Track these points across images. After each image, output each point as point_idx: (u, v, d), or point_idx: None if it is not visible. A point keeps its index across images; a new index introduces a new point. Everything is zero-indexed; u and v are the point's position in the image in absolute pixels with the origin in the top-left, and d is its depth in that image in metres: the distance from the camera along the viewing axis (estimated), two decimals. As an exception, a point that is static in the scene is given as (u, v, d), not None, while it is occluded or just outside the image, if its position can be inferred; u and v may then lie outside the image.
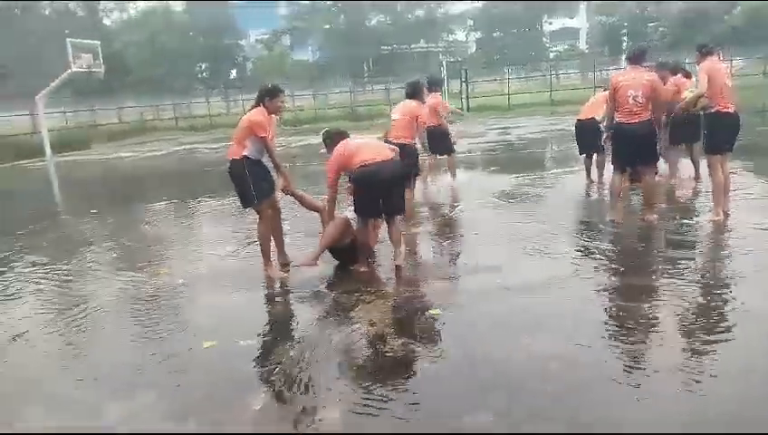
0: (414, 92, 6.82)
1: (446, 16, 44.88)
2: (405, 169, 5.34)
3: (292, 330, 4.08)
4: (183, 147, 20.67)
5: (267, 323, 4.21)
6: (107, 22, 40.84)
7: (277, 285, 4.99)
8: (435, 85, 8.96)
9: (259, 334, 3.98)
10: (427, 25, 43.07)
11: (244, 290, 4.90)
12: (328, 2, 44.44)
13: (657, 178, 7.38)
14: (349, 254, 5.17)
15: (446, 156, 9.00)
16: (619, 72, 6.26)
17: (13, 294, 5.26)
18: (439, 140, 8.40)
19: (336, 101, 29.60)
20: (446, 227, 6.67)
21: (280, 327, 4.15)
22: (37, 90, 19.48)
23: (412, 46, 41.28)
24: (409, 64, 34.76)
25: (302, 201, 5.48)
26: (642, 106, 5.62)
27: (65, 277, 5.72)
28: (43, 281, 5.63)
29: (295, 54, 44.50)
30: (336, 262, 5.28)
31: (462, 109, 16.06)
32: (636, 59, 5.85)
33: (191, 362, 3.64)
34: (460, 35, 47.33)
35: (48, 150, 18.94)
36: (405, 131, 6.55)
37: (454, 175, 9.13)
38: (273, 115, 5.03)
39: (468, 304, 4.27)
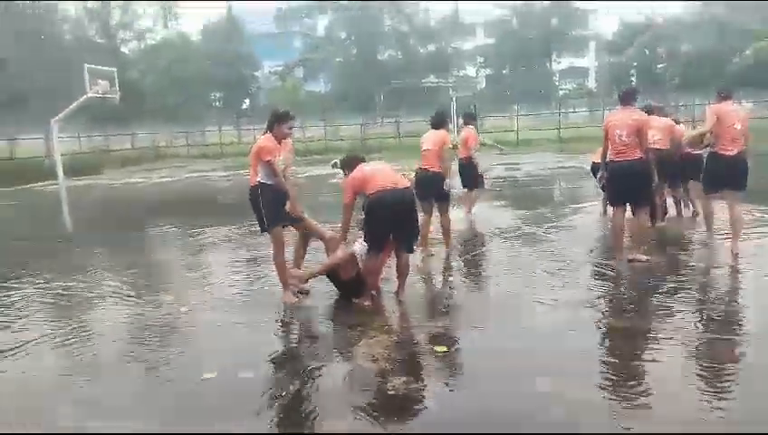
0: (440, 123, 6.91)
1: (457, 51, 45.59)
2: (436, 197, 6.36)
3: (293, 363, 4.02)
4: (194, 174, 20.87)
5: (269, 356, 4.14)
6: (125, 50, 41.73)
7: (282, 315, 4.95)
8: (469, 119, 9.29)
9: (259, 367, 3.92)
10: (437, 61, 43.71)
11: (248, 320, 4.86)
12: (342, 34, 45.31)
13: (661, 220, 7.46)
14: (353, 286, 5.14)
15: (468, 189, 9.10)
16: (611, 113, 6.47)
17: (10, 318, 5.25)
18: (468, 174, 8.72)
19: (346, 133, 29.92)
20: (459, 262, 6.62)
21: (281, 360, 4.09)
22: (53, 114, 19.81)
23: (423, 81, 41.77)
24: (419, 99, 35.13)
25: (307, 226, 5.48)
26: (627, 145, 5.70)
27: (65, 302, 5.71)
28: (43, 304, 5.62)
29: (308, 86, 45.17)
30: (340, 294, 5.25)
31: (493, 143, 15.96)
32: (625, 99, 5.96)
33: (188, 393, 3.59)
34: (470, 71, 47.97)
35: (61, 174, 19.17)
36: (436, 161, 6.63)
37: (470, 210, 9.17)
38: (285, 140, 5.17)
39: (475, 343, 4.20)
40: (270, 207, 5.03)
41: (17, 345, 4.48)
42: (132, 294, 5.85)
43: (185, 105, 38.88)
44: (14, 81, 32.91)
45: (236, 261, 7.04)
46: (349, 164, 5.21)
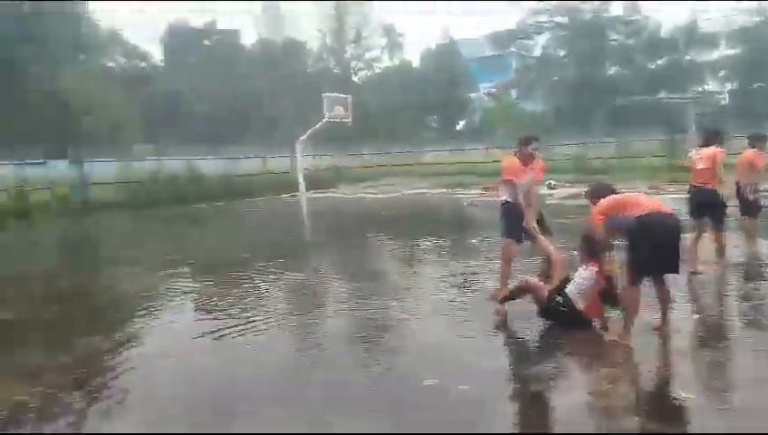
0: (712, 140, 6.79)
1: (694, 64, 40.87)
2: (711, 215, 6.40)
3: (511, 384, 3.92)
4: (413, 190, 22.03)
5: (489, 371, 4.08)
6: (355, 79, 46.35)
7: (510, 331, 4.94)
8: (756, 141, 7.79)
9: (478, 382, 3.86)
10: (670, 75, 39.72)
11: (471, 331, 4.90)
12: (560, 52, 43.98)
13: None
14: (560, 314, 4.84)
15: (745, 217, 7.75)
16: None
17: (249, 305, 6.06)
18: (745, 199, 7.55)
19: (561, 152, 28.62)
20: (733, 290, 5.96)
21: (495, 378, 3.99)
22: (297, 136, 22.98)
23: (656, 96, 38.21)
24: (647, 117, 32.15)
25: (535, 241, 5.56)
26: None
27: (300, 295, 6.42)
28: (280, 294, 6.40)
29: (524, 105, 44.67)
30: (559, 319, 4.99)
31: None
32: None
33: (407, 398, 3.69)
34: (712, 85, 42.52)
35: (302, 187, 21.97)
36: (712, 178, 6.52)
37: (752, 241, 7.67)
38: (533, 161, 5.59)
39: (725, 391, 3.64)
40: (507, 222, 5.48)
41: (256, 325, 5.17)
42: (360, 295, 6.33)
43: (405, 127, 41.51)
44: (266, 109, 38.87)
45: (451, 273, 7.16)
46: (598, 193, 4.94)
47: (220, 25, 46.13)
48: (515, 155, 5.58)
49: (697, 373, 3.97)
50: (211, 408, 3.65)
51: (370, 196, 20.96)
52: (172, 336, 5.25)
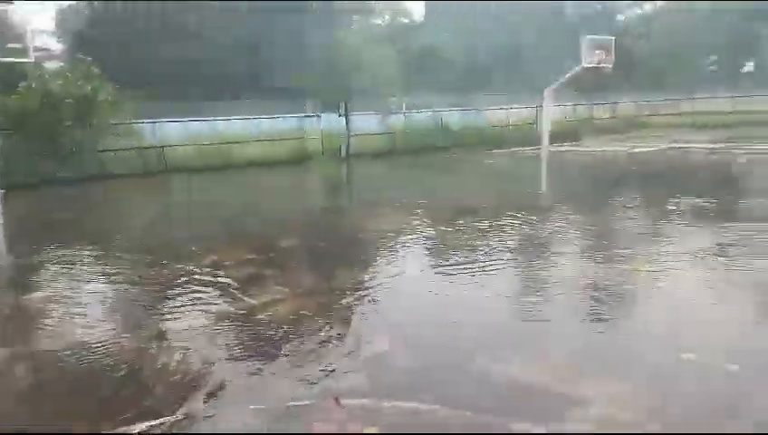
0: None
1: None
2: None
3: None
4: (676, 145, 19.45)
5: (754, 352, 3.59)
6: (621, 17, 41.77)
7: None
8: None
9: (746, 362, 3.48)
10: None
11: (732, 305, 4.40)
12: None
13: None
14: None
15: None
16: None
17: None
18: None
19: None
20: None
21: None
22: (546, 84, 21.81)
23: None
24: None
25: None
26: None
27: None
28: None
29: None
30: None
31: None
32: None
33: (671, 373, 3.49)
34: None
35: (545, 141, 21.06)
36: None
37: None
38: None
39: None
40: None
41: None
42: (597, 251, 6.08)
43: (674, 71, 36.29)
44: (517, 56, 37.71)
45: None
46: None
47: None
48: None
49: None
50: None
51: (618, 151, 19.14)
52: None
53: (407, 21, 47.16)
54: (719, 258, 5.80)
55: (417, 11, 48.46)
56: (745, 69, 40.11)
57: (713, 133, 20.97)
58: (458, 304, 4.81)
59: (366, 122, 23.56)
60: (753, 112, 22.88)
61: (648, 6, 42.61)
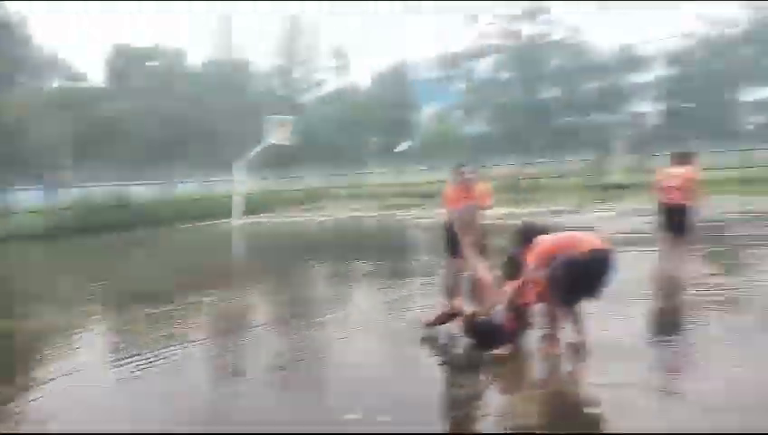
0: (686, 160, 7.17)
1: (627, 86, 42.76)
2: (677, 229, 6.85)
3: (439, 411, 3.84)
4: (352, 213, 21.77)
5: (408, 399, 3.99)
6: (302, 101, 46.05)
7: (431, 357, 4.86)
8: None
9: (395, 411, 3.78)
10: (606, 96, 41.46)
11: (391, 358, 4.85)
12: (505, 75, 45.00)
13: None
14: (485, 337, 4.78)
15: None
16: None
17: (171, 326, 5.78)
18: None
19: (500, 173, 29.14)
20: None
21: (421, 407, 3.90)
22: (235, 158, 22.36)
23: (587, 118, 39.76)
24: (582, 138, 33.47)
25: (468, 263, 5.46)
26: None
27: (214, 319, 6.18)
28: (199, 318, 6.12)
29: (470, 128, 45.44)
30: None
31: None
32: None
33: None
34: (643, 106, 44.57)
35: (238, 213, 21.21)
36: (683, 195, 6.94)
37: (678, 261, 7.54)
38: (468, 186, 5.67)
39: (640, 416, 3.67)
40: (447, 240, 5.77)
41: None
42: (288, 318, 6.22)
43: (348, 149, 41.47)
44: (208, 131, 37.89)
45: (389, 298, 7.07)
46: (527, 235, 4.73)
47: (167, 45, 44.89)
48: (453, 182, 5.71)
49: (613, 391, 3.98)
50: None
51: (304, 220, 20.59)
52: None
53: (86, 85, 42.71)
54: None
55: (97, 77, 44.24)
56: (399, 148, 48.13)
57: (381, 201, 24.25)
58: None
59: (31, 198, 20.28)
60: (407, 184, 27.47)
61: (324, 92, 48.02)
